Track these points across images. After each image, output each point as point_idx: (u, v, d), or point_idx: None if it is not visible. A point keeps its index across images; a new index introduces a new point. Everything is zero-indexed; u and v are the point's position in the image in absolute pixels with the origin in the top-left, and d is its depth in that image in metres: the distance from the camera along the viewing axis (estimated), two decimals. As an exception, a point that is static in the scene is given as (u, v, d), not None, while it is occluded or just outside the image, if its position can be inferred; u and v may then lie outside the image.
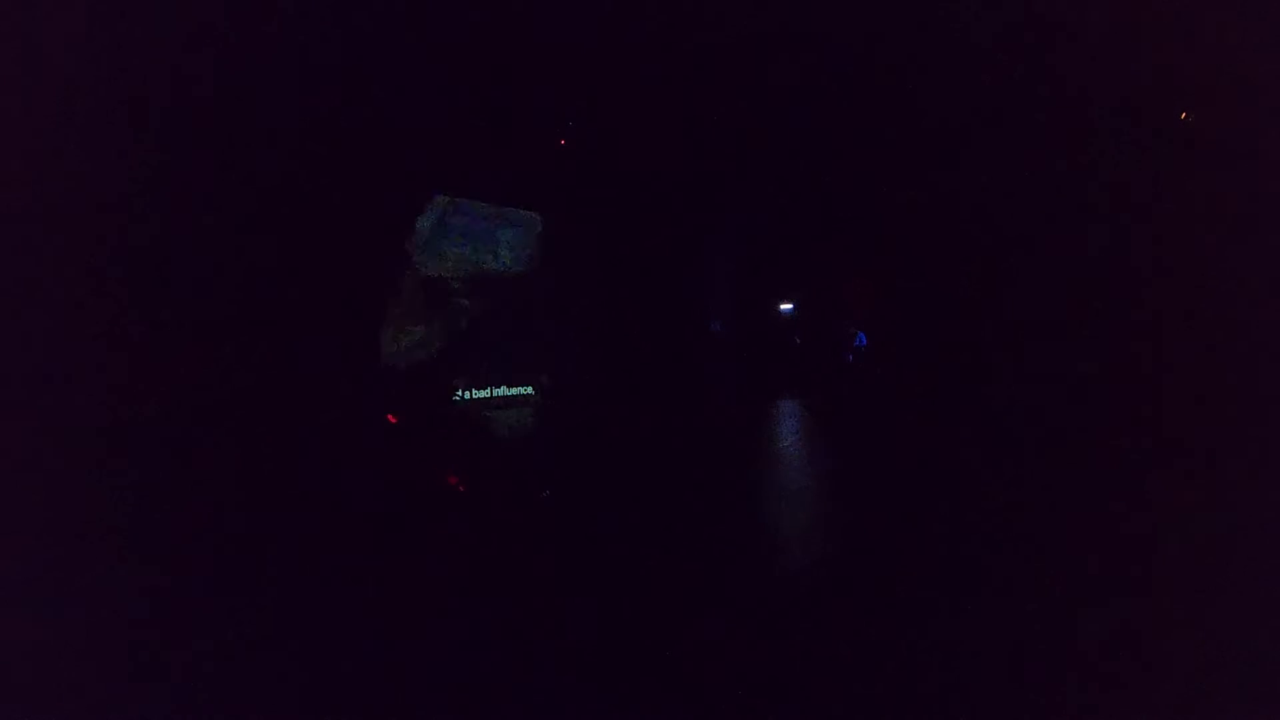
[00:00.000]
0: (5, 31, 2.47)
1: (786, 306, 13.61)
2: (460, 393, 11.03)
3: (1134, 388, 5.58)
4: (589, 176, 10.31)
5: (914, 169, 8.17)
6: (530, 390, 12.33)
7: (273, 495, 3.45)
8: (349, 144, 4.00)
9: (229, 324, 3.28)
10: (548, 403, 11.98)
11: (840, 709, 2.23)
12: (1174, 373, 5.25)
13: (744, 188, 11.44)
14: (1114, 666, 2.52)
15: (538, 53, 5.77)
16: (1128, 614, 2.98)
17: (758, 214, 12.11)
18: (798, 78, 6.46)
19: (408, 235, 10.66)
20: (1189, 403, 5.06)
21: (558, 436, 9.04)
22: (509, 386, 12.17)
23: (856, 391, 11.23)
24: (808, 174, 10.63)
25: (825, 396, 11.82)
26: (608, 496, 5.38)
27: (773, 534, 4.42)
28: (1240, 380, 4.66)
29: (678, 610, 3.11)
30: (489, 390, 11.79)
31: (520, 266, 12.25)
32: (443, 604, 3.31)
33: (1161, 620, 2.89)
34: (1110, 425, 5.65)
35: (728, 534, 4.33)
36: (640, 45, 5.76)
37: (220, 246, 3.27)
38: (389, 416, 4.37)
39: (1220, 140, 4.47)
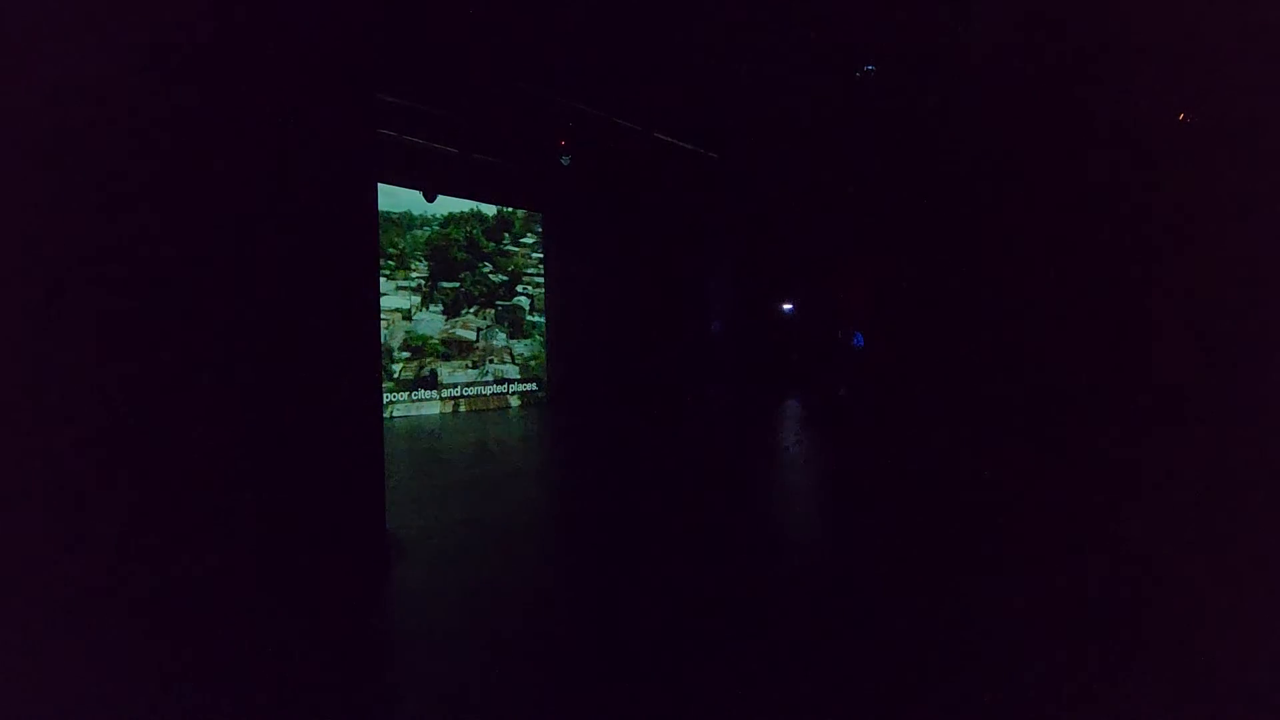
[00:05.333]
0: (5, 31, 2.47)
1: (787, 307, 13.60)
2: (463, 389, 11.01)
3: (1133, 386, 5.60)
4: (589, 177, 10.30)
5: (913, 169, 8.18)
6: (535, 387, 12.35)
7: (271, 495, 3.44)
8: (347, 144, 3.96)
9: (225, 323, 3.25)
10: (549, 398, 11.97)
11: (840, 709, 2.22)
12: (1173, 371, 5.26)
13: (744, 188, 11.43)
14: (1116, 665, 2.52)
15: (538, 53, 5.78)
16: (1128, 610, 2.98)
17: (757, 214, 12.10)
18: (800, 80, 6.48)
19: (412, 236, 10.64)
20: (1188, 401, 5.07)
21: (559, 433, 9.06)
22: (514, 383, 12.18)
23: (855, 390, 11.25)
24: (808, 175, 10.62)
25: (824, 395, 11.84)
26: (607, 496, 5.37)
27: (773, 534, 4.40)
28: (1240, 379, 4.67)
29: (677, 610, 3.10)
30: (490, 386, 11.79)
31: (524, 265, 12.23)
32: (441, 603, 3.30)
33: (1163, 619, 2.89)
34: (1109, 423, 5.67)
35: (727, 533, 4.32)
36: (641, 46, 5.76)
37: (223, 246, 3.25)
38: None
39: (1220, 140, 4.48)
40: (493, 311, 11.93)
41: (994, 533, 4.20)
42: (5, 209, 2.47)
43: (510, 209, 12.13)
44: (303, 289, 3.63)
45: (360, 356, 4.15)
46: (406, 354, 10.75)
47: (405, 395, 10.65)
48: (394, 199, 10.39)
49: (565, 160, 8.60)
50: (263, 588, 3.28)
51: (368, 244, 4.21)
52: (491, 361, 11.86)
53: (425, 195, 10.11)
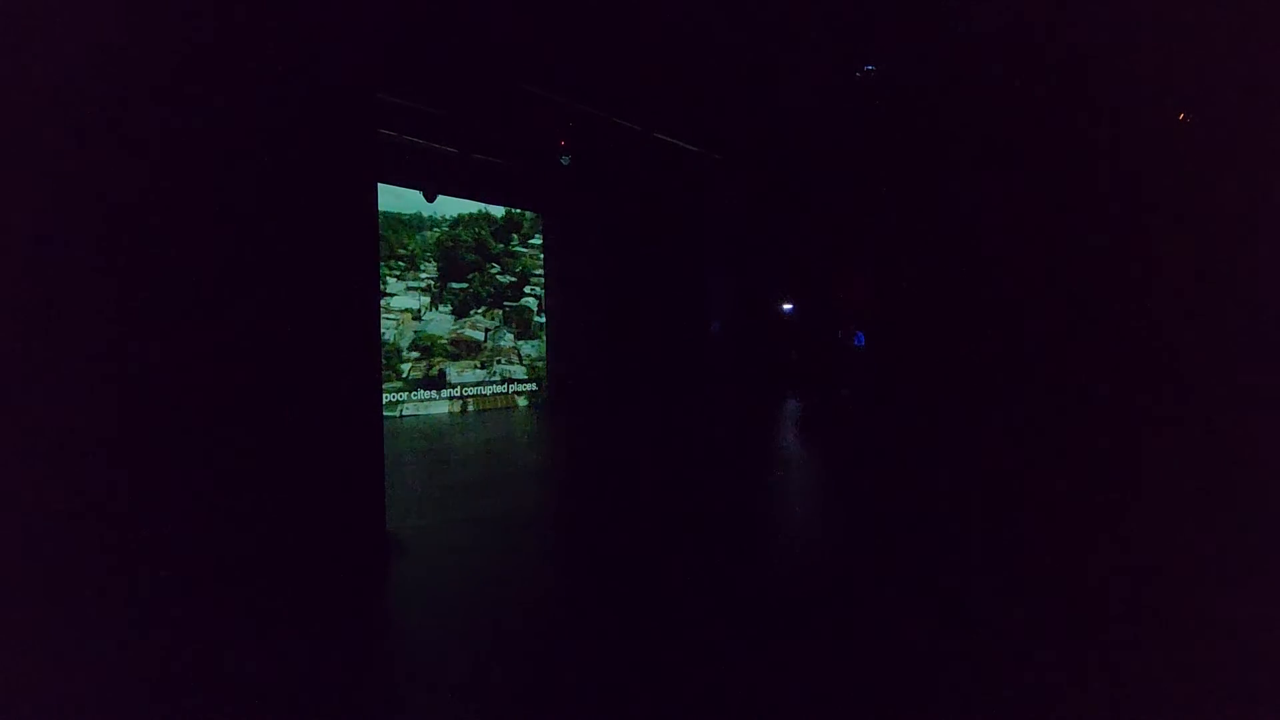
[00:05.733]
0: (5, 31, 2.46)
1: (787, 307, 13.52)
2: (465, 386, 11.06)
3: (1132, 386, 5.54)
4: (589, 177, 10.30)
5: (914, 169, 8.13)
6: (534, 387, 12.39)
7: (274, 493, 3.47)
8: (350, 143, 3.97)
9: (227, 324, 3.26)
10: (549, 397, 11.99)
11: (840, 710, 2.22)
12: (1173, 371, 5.20)
13: (745, 188, 11.39)
14: (1117, 664, 2.50)
15: (538, 54, 5.78)
16: (1128, 610, 2.96)
17: (758, 214, 12.05)
18: (799, 79, 6.45)
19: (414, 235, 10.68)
20: (1188, 400, 5.01)
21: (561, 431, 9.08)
22: (521, 383, 12.25)
23: (855, 390, 11.20)
24: (808, 174, 10.58)
25: (824, 395, 11.80)
26: (607, 495, 5.39)
27: (773, 534, 4.39)
28: (1239, 379, 4.61)
29: (676, 610, 3.10)
30: (494, 383, 11.84)
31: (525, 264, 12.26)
32: (442, 601, 3.32)
33: (1163, 619, 2.87)
34: (1109, 423, 5.61)
35: (727, 533, 4.31)
36: (641, 46, 5.75)
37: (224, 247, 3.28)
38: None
39: (1220, 140, 4.40)
40: (501, 312, 12.00)
41: (995, 532, 4.16)
42: (7, 210, 2.49)
43: (519, 210, 12.19)
44: (303, 289, 3.64)
45: (360, 356, 4.15)
46: (416, 354, 10.84)
47: (414, 395, 10.73)
48: (403, 200, 10.49)
49: (565, 160, 8.60)
50: (261, 587, 3.29)
51: (368, 244, 4.20)
52: (499, 362, 11.93)
53: (425, 195, 10.09)
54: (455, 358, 11.31)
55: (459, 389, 11.33)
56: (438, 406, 11.00)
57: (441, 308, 11.22)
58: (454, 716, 2.29)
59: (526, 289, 12.37)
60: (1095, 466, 5.18)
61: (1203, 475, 4.30)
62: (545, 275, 12.56)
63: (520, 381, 12.18)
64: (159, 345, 2.95)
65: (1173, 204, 4.87)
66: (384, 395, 10.35)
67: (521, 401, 12.11)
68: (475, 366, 11.59)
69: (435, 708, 2.34)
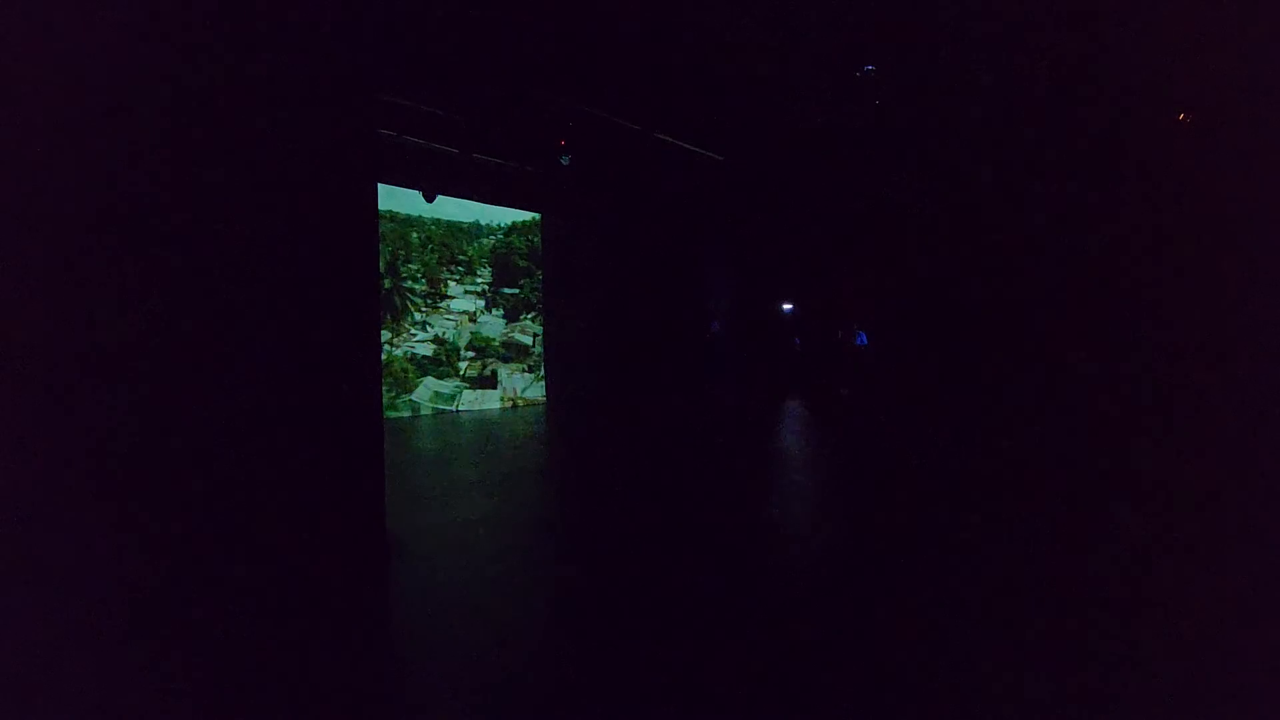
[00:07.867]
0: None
1: (787, 307, 13.11)
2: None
3: (1132, 386, 5.05)
4: (589, 177, 10.34)
5: (914, 169, 7.74)
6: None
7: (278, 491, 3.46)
8: (350, 143, 3.93)
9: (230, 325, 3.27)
10: (549, 397, 12.15)
11: (840, 710, 2.31)
12: (1173, 371, 4.73)
13: (744, 188, 11.16)
14: (1116, 665, 2.47)
15: (538, 54, 5.91)
16: (1129, 612, 2.87)
17: (758, 214, 11.78)
18: (798, 78, 6.35)
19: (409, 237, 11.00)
20: (1188, 401, 4.53)
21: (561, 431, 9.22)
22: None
23: (858, 390, 10.80)
24: (808, 175, 10.26)
25: (826, 395, 11.44)
26: (608, 495, 5.51)
27: (773, 534, 4.40)
28: (1240, 379, 4.14)
29: (677, 610, 3.08)
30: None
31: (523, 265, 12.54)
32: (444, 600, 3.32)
33: (1164, 620, 2.78)
34: (1111, 422, 5.14)
35: (729, 533, 4.36)
36: (640, 45, 5.79)
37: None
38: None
39: (1220, 140, 3.96)
40: (549, 317, 12.50)
41: (994, 532, 4.03)
42: (4, 210, 2.50)
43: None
44: (302, 288, 3.57)
45: (360, 356, 3.95)
46: (471, 354, 11.53)
47: (469, 392, 11.41)
48: (463, 208, 11.21)
49: (565, 160, 8.72)
50: (259, 586, 3.26)
51: (368, 244, 4.07)
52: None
53: (425, 195, 9.94)
54: (506, 360, 11.93)
55: (515, 389, 11.92)
56: (491, 402, 11.64)
57: (495, 311, 11.89)
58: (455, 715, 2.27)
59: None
60: (1096, 465, 4.82)
61: (1203, 475, 3.93)
62: (545, 275, 12.60)
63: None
64: (156, 345, 2.93)
65: (1173, 204, 4.49)
66: (443, 389, 11.11)
67: (568, 402, 12.57)
68: (523, 370, 12.16)
69: (433, 709, 2.29)
